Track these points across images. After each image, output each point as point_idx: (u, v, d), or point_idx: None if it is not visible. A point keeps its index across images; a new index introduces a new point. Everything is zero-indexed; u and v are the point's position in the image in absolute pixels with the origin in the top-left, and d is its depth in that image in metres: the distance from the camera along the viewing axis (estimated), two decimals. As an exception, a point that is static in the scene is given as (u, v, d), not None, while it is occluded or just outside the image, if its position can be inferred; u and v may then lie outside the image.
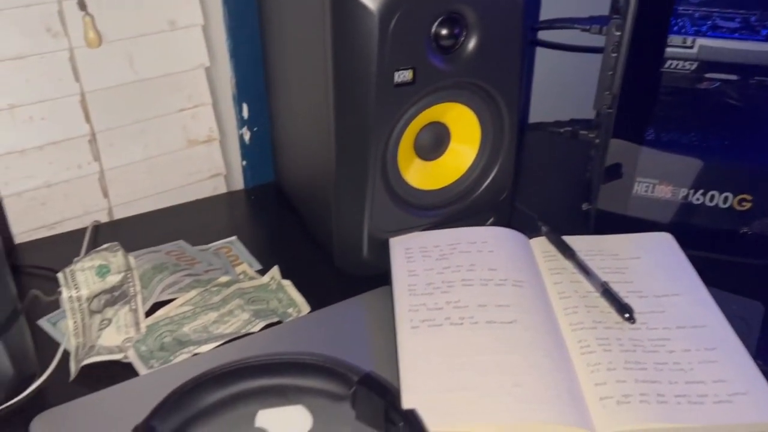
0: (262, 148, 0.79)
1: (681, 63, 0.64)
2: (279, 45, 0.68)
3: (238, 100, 0.75)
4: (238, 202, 0.79)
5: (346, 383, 0.47)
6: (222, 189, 0.83)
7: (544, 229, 0.63)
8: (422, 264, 0.60)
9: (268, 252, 0.69)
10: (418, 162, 0.62)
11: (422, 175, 0.62)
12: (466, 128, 0.62)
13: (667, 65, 0.65)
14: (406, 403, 0.47)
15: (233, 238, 0.71)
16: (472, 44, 0.57)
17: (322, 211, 0.65)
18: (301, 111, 0.67)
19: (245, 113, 0.76)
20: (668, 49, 0.64)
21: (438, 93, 0.58)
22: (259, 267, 0.67)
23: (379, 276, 0.62)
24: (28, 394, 0.51)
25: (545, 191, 0.78)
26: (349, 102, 0.56)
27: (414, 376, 0.50)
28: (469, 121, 0.61)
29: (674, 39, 0.64)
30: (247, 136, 0.78)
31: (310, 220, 0.71)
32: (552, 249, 0.62)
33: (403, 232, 0.63)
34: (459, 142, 0.63)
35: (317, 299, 0.61)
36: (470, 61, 0.57)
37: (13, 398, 0.50)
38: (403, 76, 0.55)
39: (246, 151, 0.78)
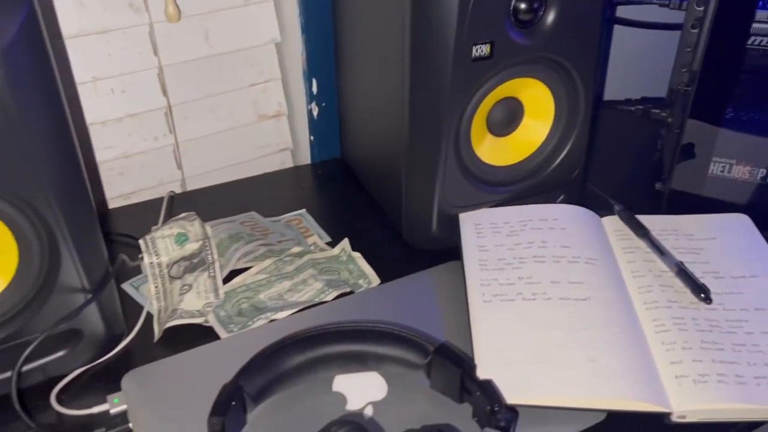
0: (329, 124, 0.80)
1: (765, 39, 0.62)
2: (353, 18, 0.68)
3: (308, 75, 0.76)
4: (304, 176, 0.81)
5: (422, 352, 0.48)
6: (289, 163, 0.84)
7: (617, 207, 0.62)
8: (492, 240, 0.60)
9: (336, 225, 0.70)
10: (490, 137, 0.62)
11: (494, 150, 0.62)
12: (541, 104, 0.62)
13: (749, 42, 0.63)
14: (481, 374, 0.48)
15: (302, 210, 0.72)
16: (550, 19, 0.56)
17: (390, 186, 0.66)
18: (372, 85, 0.67)
19: (314, 88, 0.77)
20: (753, 25, 0.62)
21: (514, 68, 0.58)
22: (328, 239, 0.68)
23: (446, 250, 0.62)
24: (116, 353, 0.54)
25: (614, 170, 0.77)
26: (425, 76, 0.57)
27: (488, 348, 0.51)
28: (543, 97, 0.61)
29: (759, 14, 0.62)
30: (315, 112, 0.79)
31: (377, 195, 0.72)
32: (624, 228, 0.62)
33: (472, 208, 0.63)
34: (532, 117, 0.63)
35: (385, 272, 0.63)
36: (549, 36, 0.56)
37: (103, 356, 0.53)
38: (481, 50, 0.55)
39: (314, 126, 0.79)
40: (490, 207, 0.64)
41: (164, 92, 0.72)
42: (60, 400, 0.49)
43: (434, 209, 0.62)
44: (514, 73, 0.58)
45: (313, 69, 0.76)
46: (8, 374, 0.46)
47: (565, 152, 0.64)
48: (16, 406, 0.46)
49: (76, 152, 0.46)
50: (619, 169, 0.78)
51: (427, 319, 0.55)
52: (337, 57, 0.74)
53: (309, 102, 0.78)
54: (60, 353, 0.50)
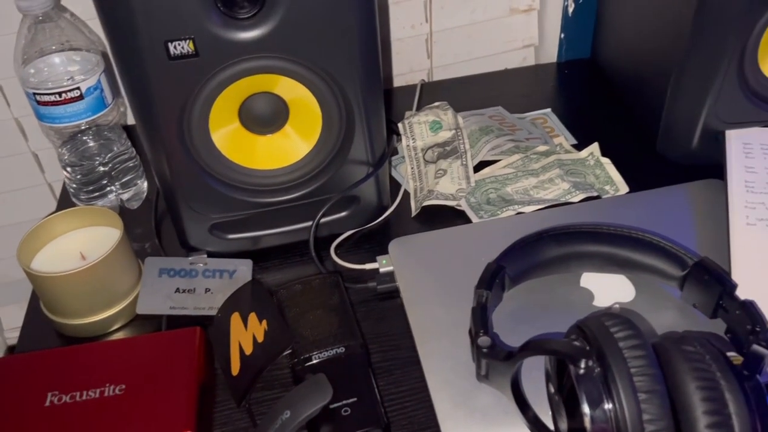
0: (582, 23, 0.77)
1: None
2: None
3: (571, -31, 0.74)
4: (548, 74, 0.80)
5: (680, 264, 0.49)
6: (530, 60, 0.84)
7: None
8: (763, 162, 0.57)
9: (582, 127, 0.70)
10: (780, 51, 0.57)
11: (782, 65, 0.57)
12: None
13: None
14: (740, 295, 0.47)
15: (548, 110, 0.73)
16: None
17: (651, 93, 0.64)
18: (649, -16, 0.63)
19: (575, -16, 0.75)
20: None
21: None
22: (574, 141, 0.68)
23: (701, 167, 0.60)
24: (380, 221, 0.61)
25: None
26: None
27: (747, 272, 0.50)
28: None
29: None
30: (570, 9, 0.76)
31: (631, 101, 0.70)
32: None
33: (742, 126, 0.59)
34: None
35: (631, 181, 0.62)
36: None
37: (370, 223, 0.60)
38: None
39: (567, 23, 0.78)
40: (763, 127, 0.59)
41: (427, -19, 0.74)
42: (337, 254, 0.58)
43: (700, 122, 0.60)
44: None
45: (577, -37, 0.73)
46: (309, 223, 0.55)
47: None
48: (312, 251, 0.55)
49: (377, 32, 0.50)
50: None
51: (679, 235, 0.55)
52: (608, -49, 0.71)
53: (566, -2, 0.76)
54: (341, 214, 0.57)
